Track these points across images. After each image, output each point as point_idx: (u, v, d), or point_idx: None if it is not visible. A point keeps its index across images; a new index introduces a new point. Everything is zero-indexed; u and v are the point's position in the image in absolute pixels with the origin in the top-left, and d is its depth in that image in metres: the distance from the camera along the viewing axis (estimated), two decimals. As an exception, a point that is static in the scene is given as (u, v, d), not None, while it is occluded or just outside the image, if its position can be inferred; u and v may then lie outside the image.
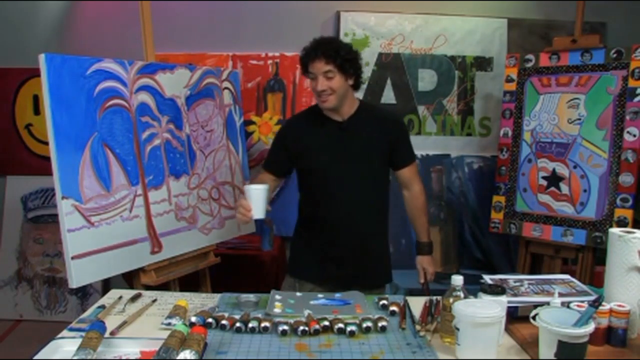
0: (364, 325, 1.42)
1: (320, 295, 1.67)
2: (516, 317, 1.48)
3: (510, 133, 2.75)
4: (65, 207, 1.77)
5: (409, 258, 3.13)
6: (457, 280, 1.38)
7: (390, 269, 2.09)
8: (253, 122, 3.01)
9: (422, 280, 2.12)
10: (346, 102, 1.91)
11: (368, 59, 3.14)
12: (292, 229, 2.66)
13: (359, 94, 3.12)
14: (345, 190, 1.92)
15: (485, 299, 1.35)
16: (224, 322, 1.44)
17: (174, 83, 2.25)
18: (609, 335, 1.36)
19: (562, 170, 2.57)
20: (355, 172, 1.92)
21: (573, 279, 1.64)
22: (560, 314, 1.29)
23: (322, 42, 1.87)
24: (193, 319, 1.44)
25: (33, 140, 3.27)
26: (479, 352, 1.25)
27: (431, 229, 3.17)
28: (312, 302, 1.61)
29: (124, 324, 1.47)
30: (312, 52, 1.85)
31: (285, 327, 1.41)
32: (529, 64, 2.69)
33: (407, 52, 3.16)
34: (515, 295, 1.49)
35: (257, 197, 1.70)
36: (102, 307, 1.60)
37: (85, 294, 3.22)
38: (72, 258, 1.77)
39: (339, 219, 1.94)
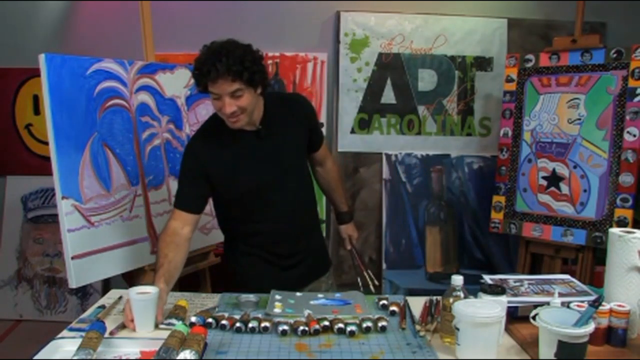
0: (364, 325, 1.43)
1: (320, 295, 1.67)
2: (516, 317, 1.48)
3: (510, 133, 2.75)
4: (65, 207, 1.77)
5: (409, 258, 3.15)
6: (457, 280, 1.38)
7: (327, 252, 2.05)
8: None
9: (348, 247, 2.16)
10: (257, 112, 1.67)
11: (368, 59, 3.14)
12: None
13: (359, 95, 3.17)
14: (280, 197, 1.75)
15: (485, 299, 1.35)
16: (224, 322, 1.44)
17: (174, 83, 2.25)
18: (609, 335, 1.36)
19: (562, 170, 2.57)
20: (285, 176, 1.75)
21: (573, 279, 1.64)
22: (560, 314, 1.29)
23: (221, 54, 1.50)
24: (193, 319, 1.44)
25: (33, 140, 3.27)
26: (479, 352, 1.25)
27: (431, 229, 3.24)
28: (312, 302, 1.60)
29: (123, 324, 1.47)
30: (213, 69, 1.49)
31: (285, 327, 1.41)
32: (529, 64, 2.69)
33: (407, 52, 3.16)
34: (515, 295, 1.49)
35: (140, 309, 1.43)
36: (102, 307, 1.60)
37: (85, 294, 3.22)
38: (72, 258, 1.78)
39: (279, 226, 1.78)
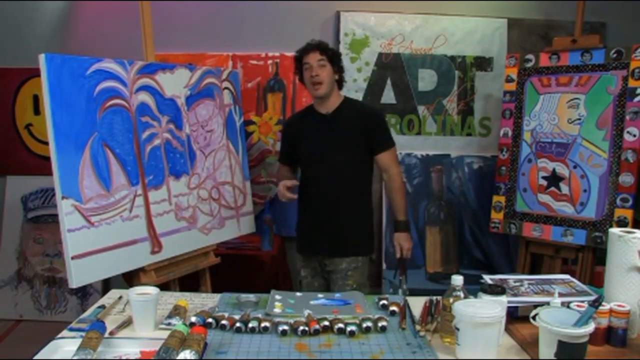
0: (364, 325, 1.43)
1: (320, 295, 1.67)
2: (516, 317, 1.48)
3: (510, 133, 2.75)
4: (65, 207, 1.77)
5: (409, 258, 3.14)
6: (457, 280, 1.38)
7: (369, 242, 2.33)
8: (253, 122, 3.01)
9: (398, 255, 2.31)
10: (332, 94, 2.25)
11: (368, 59, 3.14)
12: (292, 229, 2.66)
13: (359, 95, 3.16)
14: (327, 171, 2.23)
15: (485, 299, 1.35)
16: (224, 322, 1.44)
17: (174, 83, 2.25)
18: (609, 335, 1.36)
19: (562, 170, 2.57)
20: (335, 156, 2.22)
21: (573, 279, 1.64)
22: (560, 314, 1.29)
23: (316, 41, 2.25)
24: (193, 319, 1.44)
25: (33, 140, 3.27)
26: (479, 352, 1.25)
27: (431, 229, 3.24)
28: (312, 302, 1.61)
29: (123, 324, 1.47)
30: (308, 46, 2.23)
31: (285, 327, 1.41)
32: (529, 64, 2.69)
33: (407, 52, 3.16)
34: (515, 295, 1.49)
35: (140, 309, 1.44)
36: (102, 307, 1.60)
37: (85, 294, 3.22)
38: (72, 258, 1.78)
39: (320, 195, 2.25)
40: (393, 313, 1.56)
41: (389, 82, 3.17)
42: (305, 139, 2.30)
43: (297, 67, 2.29)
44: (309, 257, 2.33)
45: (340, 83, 2.29)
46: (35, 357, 1.27)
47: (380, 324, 1.43)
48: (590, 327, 1.22)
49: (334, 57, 2.23)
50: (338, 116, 2.25)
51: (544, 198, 2.62)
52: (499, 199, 2.77)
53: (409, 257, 2.31)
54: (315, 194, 2.27)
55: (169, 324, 1.43)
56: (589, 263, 2.50)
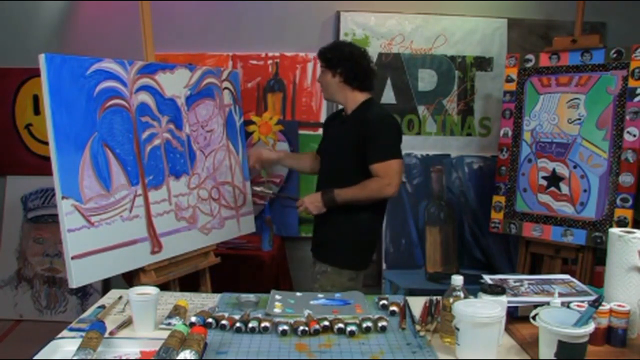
0: (364, 325, 1.43)
1: (320, 295, 1.67)
2: (516, 317, 1.48)
3: (510, 133, 2.75)
4: (65, 207, 1.77)
5: (409, 258, 3.15)
6: (457, 280, 1.38)
7: (349, 256, 2.17)
8: (253, 122, 3.01)
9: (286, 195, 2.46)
10: (342, 98, 2.21)
11: (368, 59, 3.15)
12: (292, 229, 2.66)
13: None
14: (322, 173, 2.28)
15: (485, 299, 1.35)
16: (224, 322, 1.44)
17: (174, 83, 2.25)
18: (609, 335, 1.36)
19: (562, 170, 2.57)
20: (331, 161, 2.23)
21: (573, 279, 1.64)
22: (560, 314, 1.29)
23: (326, 46, 2.23)
24: (193, 319, 1.44)
25: (33, 140, 3.27)
26: (479, 352, 1.25)
27: (431, 229, 3.24)
28: (312, 302, 1.61)
29: (123, 324, 1.47)
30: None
31: (285, 327, 1.41)
32: (529, 64, 2.69)
33: (407, 52, 3.16)
34: (515, 295, 1.49)
35: (140, 309, 1.44)
36: (102, 307, 1.60)
37: (85, 294, 3.22)
38: (72, 258, 1.77)
39: (315, 188, 2.25)
40: (393, 313, 1.56)
41: (389, 82, 3.17)
42: (327, 137, 2.35)
43: None
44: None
45: (352, 82, 2.15)
46: (35, 357, 1.27)
47: (380, 324, 1.43)
48: (590, 327, 1.22)
49: (332, 61, 2.16)
50: (349, 119, 2.18)
51: (544, 198, 2.62)
52: (499, 199, 2.77)
53: (300, 211, 2.20)
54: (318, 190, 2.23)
55: (169, 324, 1.43)
56: (589, 263, 2.50)
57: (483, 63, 3.20)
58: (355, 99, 2.18)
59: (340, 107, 2.30)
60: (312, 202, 2.14)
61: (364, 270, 2.22)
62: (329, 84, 2.19)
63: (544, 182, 2.62)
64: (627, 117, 2.39)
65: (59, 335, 1.40)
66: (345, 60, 2.15)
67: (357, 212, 2.14)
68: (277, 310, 1.53)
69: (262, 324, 1.43)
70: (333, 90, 2.20)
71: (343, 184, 2.09)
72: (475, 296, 1.39)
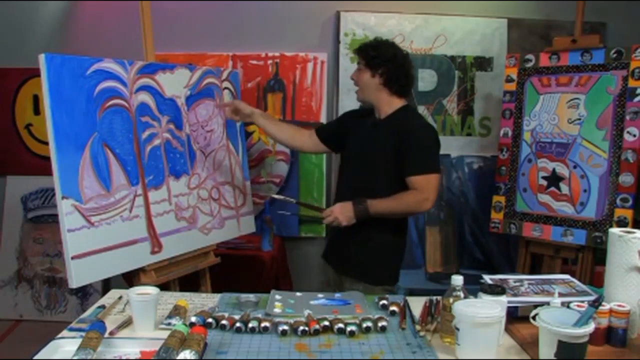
0: (364, 325, 1.43)
1: (320, 295, 1.67)
2: (516, 317, 1.48)
3: (510, 133, 2.75)
4: (65, 207, 1.77)
5: (409, 258, 3.14)
6: (457, 280, 1.38)
7: (378, 270, 2.05)
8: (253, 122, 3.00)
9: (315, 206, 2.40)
10: (376, 100, 2.06)
11: (368, 59, 3.14)
12: (292, 229, 2.65)
13: (359, 94, 3.16)
14: (351, 182, 2.09)
15: (485, 299, 1.35)
16: (224, 322, 1.44)
17: (174, 83, 2.25)
18: (609, 335, 1.36)
19: (562, 170, 2.57)
20: (364, 169, 2.05)
21: (573, 279, 1.64)
22: (560, 314, 1.29)
23: (364, 43, 2.10)
24: (193, 319, 1.44)
25: (33, 140, 3.27)
26: (479, 352, 1.25)
27: (431, 229, 3.24)
28: (312, 302, 1.61)
29: (123, 324, 1.47)
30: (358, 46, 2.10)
31: (285, 327, 1.41)
32: (529, 64, 2.69)
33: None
34: (515, 295, 1.49)
35: (140, 309, 1.43)
36: (102, 307, 1.60)
37: (85, 294, 3.22)
38: (72, 258, 1.77)
39: (339, 194, 2.12)
40: (393, 313, 1.56)
41: (389, 82, 3.17)
42: (353, 138, 2.12)
43: None
44: (326, 265, 2.22)
45: (393, 86, 2.02)
46: (35, 357, 1.27)
47: (380, 324, 1.43)
48: (590, 327, 1.22)
49: (374, 60, 2.00)
50: (383, 126, 2.03)
51: (544, 198, 2.62)
52: (499, 199, 2.77)
53: (328, 221, 2.00)
54: (340, 197, 2.07)
55: (169, 324, 1.43)
56: (589, 263, 2.50)
57: (483, 63, 3.20)
58: (391, 103, 2.04)
59: (360, 105, 2.21)
60: (342, 212, 1.96)
61: (396, 284, 2.15)
62: (366, 84, 2.04)
63: (544, 182, 2.62)
64: (627, 117, 2.39)
65: (59, 335, 1.40)
66: (388, 61, 2.02)
67: (388, 226, 2.02)
68: (277, 310, 1.53)
69: (262, 324, 1.43)
70: (370, 91, 2.04)
71: (371, 192, 1.96)
72: (475, 296, 1.39)
